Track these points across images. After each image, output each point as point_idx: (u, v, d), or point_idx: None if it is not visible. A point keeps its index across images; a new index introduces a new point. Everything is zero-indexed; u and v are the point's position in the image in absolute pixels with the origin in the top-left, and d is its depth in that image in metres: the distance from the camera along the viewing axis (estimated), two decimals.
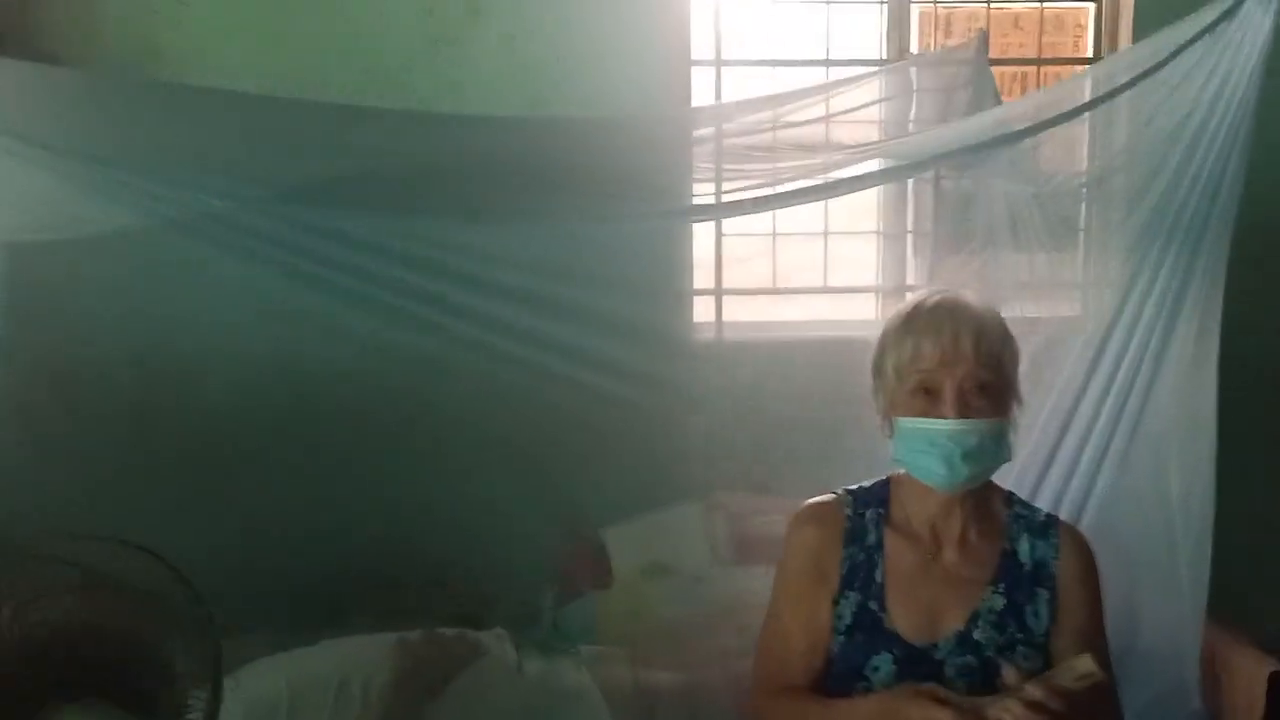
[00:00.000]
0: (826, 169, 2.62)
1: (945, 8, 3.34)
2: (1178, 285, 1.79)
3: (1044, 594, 1.53)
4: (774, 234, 3.20)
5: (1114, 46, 3.26)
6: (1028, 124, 2.02)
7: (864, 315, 3.27)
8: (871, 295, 3.31)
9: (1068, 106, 1.90)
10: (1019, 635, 1.52)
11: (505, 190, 2.35)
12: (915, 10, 3.25)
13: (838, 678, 1.56)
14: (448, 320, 2.37)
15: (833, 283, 3.28)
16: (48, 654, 0.94)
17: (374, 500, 2.85)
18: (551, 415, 3.05)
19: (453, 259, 2.35)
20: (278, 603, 2.49)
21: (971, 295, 1.60)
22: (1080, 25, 3.32)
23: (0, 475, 2.14)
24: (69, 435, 2.46)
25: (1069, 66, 3.33)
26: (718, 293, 3.20)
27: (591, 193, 2.55)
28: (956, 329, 1.53)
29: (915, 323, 1.58)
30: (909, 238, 3.29)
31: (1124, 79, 1.78)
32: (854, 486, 1.69)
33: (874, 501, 1.65)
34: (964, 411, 1.50)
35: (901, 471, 1.66)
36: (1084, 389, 1.97)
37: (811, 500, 1.69)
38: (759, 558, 3.01)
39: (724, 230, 3.17)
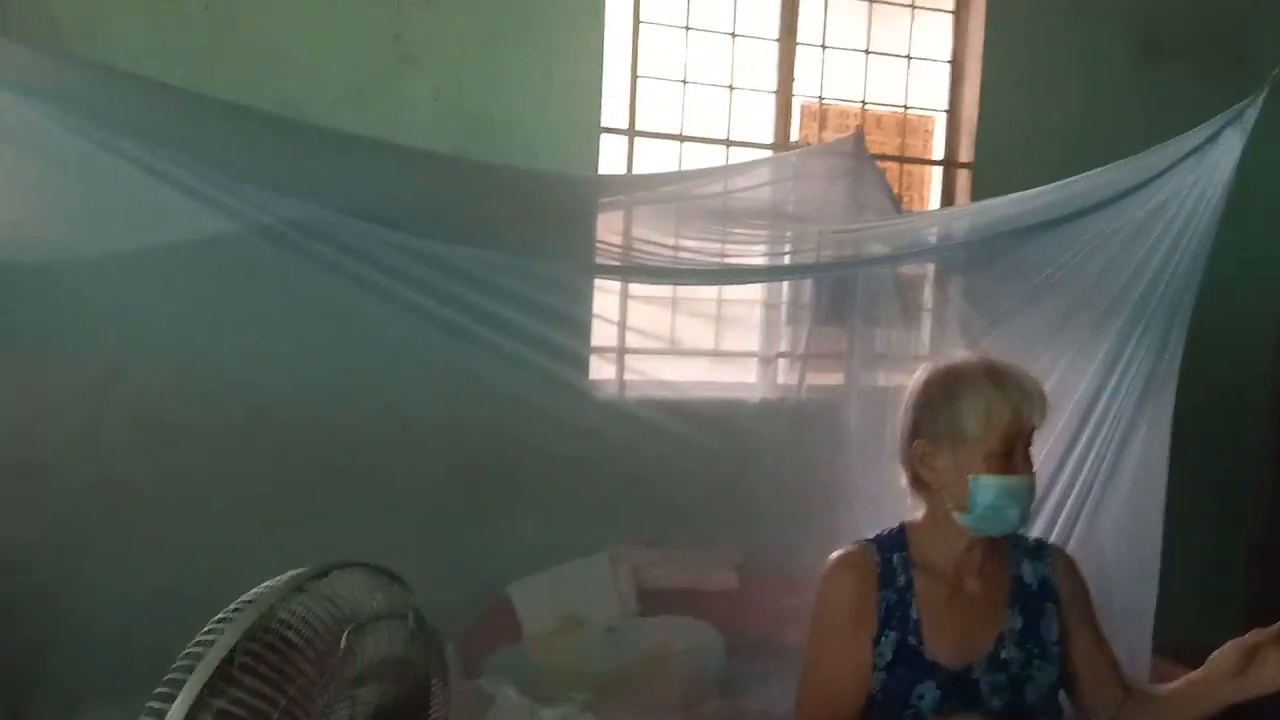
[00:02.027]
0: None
1: (823, 103, 3.70)
2: (1150, 364, 2.13)
3: (1051, 608, 1.74)
4: (674, 297, 3.37)
5: (956, 151, 3.76)
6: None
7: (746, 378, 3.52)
8: (754, 360, 3.55)
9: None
10: (1036, 649, 1.71)
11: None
12: (797, 103, 3.58)
13: (883, 708, 1.69)
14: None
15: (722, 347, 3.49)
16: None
17: (273, 548, 2.70)
18: (452, 469, 3.03)
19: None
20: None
21: (1013, 363, 1.73)
22: (928, 130, 3.79)
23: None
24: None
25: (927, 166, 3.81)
26: (620, 350, 3.31)
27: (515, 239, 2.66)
28: (1028, 394, 1.66)
29: (985, 389, 1.65)
30: (783, 309, 3.57)
31: (1111, 191, 2.13)
32: (872, 536, 1.80)
33: (896, 547, 1.77)
34: (1029, 466, 1.67)
35: (918, 517, 1.79)
36: (1071, 444, 2.26)
37: (840, 552, 1.78)
38: (658, 609, 3.13)
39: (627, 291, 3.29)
